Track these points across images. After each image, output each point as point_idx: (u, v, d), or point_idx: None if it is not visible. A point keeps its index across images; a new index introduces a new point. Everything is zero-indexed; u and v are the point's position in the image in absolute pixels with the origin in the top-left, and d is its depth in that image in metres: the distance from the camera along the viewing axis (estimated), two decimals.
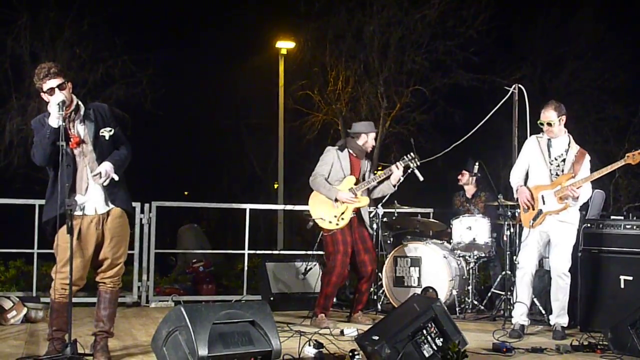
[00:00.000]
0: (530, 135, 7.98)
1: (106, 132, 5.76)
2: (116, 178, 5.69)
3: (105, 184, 5.69)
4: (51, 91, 5.57)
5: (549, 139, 7.53)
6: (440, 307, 5.84)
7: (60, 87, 5.57)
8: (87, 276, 5.87)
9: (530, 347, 6.64)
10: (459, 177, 10.43)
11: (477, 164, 9.46)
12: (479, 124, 9.76)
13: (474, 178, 10.10)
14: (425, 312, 5.77)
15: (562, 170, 7.45)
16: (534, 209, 7.49)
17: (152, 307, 9.69)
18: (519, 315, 7.52)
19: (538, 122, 7.52)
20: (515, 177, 7.72)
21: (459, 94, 18.87)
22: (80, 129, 5.71)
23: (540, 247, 7.59)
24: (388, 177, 8.25)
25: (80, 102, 5.78)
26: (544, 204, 7.44)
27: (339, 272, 8.09)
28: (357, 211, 8.25)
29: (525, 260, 7.53)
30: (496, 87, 15.92)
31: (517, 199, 7.68)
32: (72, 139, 5.63)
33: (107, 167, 5.66)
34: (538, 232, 7.49)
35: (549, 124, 7.43)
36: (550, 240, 7.50)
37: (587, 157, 7.52)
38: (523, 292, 7.53)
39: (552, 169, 7.48)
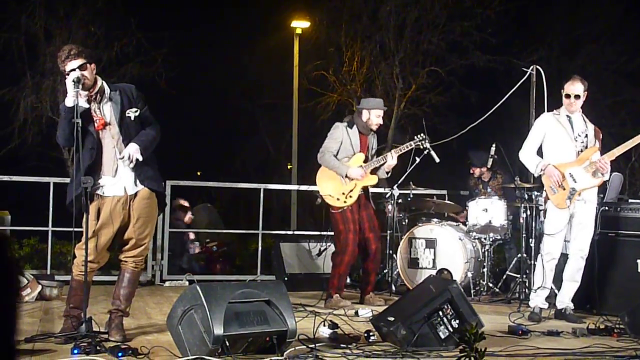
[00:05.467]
0: None
1: (132, 113, 5.71)
2: (140, 159, 5.64)
3: (131, 166, 5.66)
4: (73, 73, 5.54)
5: (568, 116, 7.38)
6: (456, 289, 5.79)
7: (81, 67, 5.55)
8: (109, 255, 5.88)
9: (546, 330, 6.58)
10: (471, 172, 10.36)
11: (494, 146, 9.39)
12: (496, 106, 9.67)
13: (486, 168, 10.00)
14: (442, 294, 5.73)
15: (586, 146, 7.33)
16: (564, 189, 7.27)
17: (166, 286, 9.72)
18: (541, 300, 7.43)
19: (564, 93, 7.32)
20: (533, 155, 7.44)
21: (475, 76, 18.75)
22: (106, 111, 5.68)
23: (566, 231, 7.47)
24: (383, 164, 8.17)
25: (105, 84, 5.74)
26: (575, 182, 7.23)
27: (351, 251, 8.05)
28: (365, 189, 8.21)
29: (556, 248, 7.33)
30: (512, 68, 15.82)
31: (541, 176, 7.51)
32: (97, 121, 5.61)
33: (131, 149, 5.62)
34: (568, 214, 7.33)
35: (577, 97, 7.30)
36: (575, 220, 7.30)
37: (601, 135, 7.44)
38: (549, 277, 7.41)
39: (577, 145, 7.31)
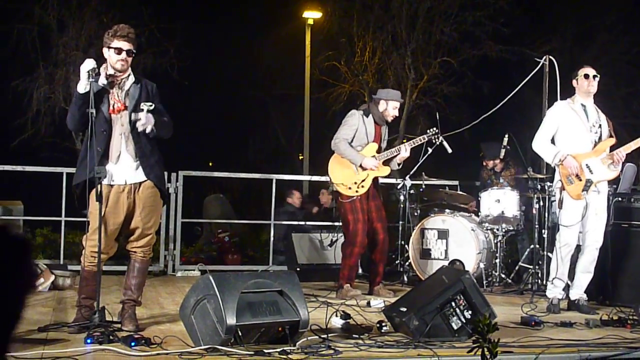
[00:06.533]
0: None
1: (146, 106, 5.71)
2: (152, 122, 5.62)
3: (148, 129, 5.62)
4: (117, 50, 5.60)
5: (583, 105, 7.34)
6: (469, 280, 5.79)
7: (128, 53, 5.63)
8: (117, 245, 5.89)
9: (559, 321, 6.57)
10: (484, 164, 10.32)
11: (506, 136, 9.34)
12: (508, 96, 9.64)
13: (499, 159, 9.95)
14: (454, 285, 5.73)
15: (600, 137, 7.28)
16: (580, 180, 7.19)
17: (178, 276, 9.74)
18: (559, 290, 7.39)
19: (582, 74, 7.23)
20: (549, 144, 7.33)
21: (488, 66, 18.70)
22: (124, 98, 5.69)
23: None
24: (396, 156, 8.15)
25: (132, 74, 5.78)
26: (591, 173, 7.16)
27: (360, 242, 8.03)
28: (375, 179, 8.18)
29: (573, 239, 7.27)
30: (525, 59, 15.76)
31: (554, 166, 7.45)
32: (115, 105, 5.63)
33: (147, 116, 5.63)
34: (584, 205, 7.24)
35: (595, 77, 7.23)
36: (590, 211, 7.21)
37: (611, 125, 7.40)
38: (566, 268, 7.37)
39: (592, 135, 7.23)
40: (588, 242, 7.29)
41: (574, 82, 7.34)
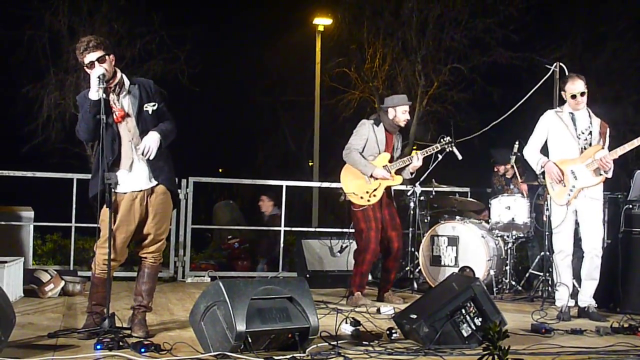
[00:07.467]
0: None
1: (150, 107, 5.72)
2: (155, 149, 5.64)
3: (151, 157, 5.66)
4: (91, 65, 5.55)
5: (571, 113, 7.34)
6: (479, 287, 5.78)
7: (100, 60, 5.55)
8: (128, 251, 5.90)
9: (569, 328, 6.54)
10: (495, 170, 10.31)
11: (517, 143, 9.33)
12: (519, 103, 9.63)
13: (510, 165, 9.93)
14: (465, 292, 5.72)
15: (590, 143, 7.30)
16: (564, 185, 7.28)
17: (188, 282, 9.76)
18: (566, 298, 7.38)
19: (569, 95, 7.26)
20: (535, 152, 7.49)
21: (498, 73, 18.64)
22: (125, 104, 5.69)
23: (574, 227, 7.43)
24: (408, 165, 8.15)
25: (125, 77, 5.75)
26: (576, 179, 7.23)
27: (373, 250, 8.03)
28: (388, 188, 8.18)
29: (566, 243, 7.32)
30: (535, 65, 15.71)
31: (542, 174, 7.54)
32: (117, 113, 5.62)
33: (149, 141, 5.62)
34: (571, 211, 7.32)
35: (582, 94, 7.26)
36: (581, 218, 7.31)
37: (608, 129, 7.39)
38: (567, 274, 7.38)
39: (580, 142, 7.28)
40: (585, 249, 7.34)
41: (562, 94, 7.40)
